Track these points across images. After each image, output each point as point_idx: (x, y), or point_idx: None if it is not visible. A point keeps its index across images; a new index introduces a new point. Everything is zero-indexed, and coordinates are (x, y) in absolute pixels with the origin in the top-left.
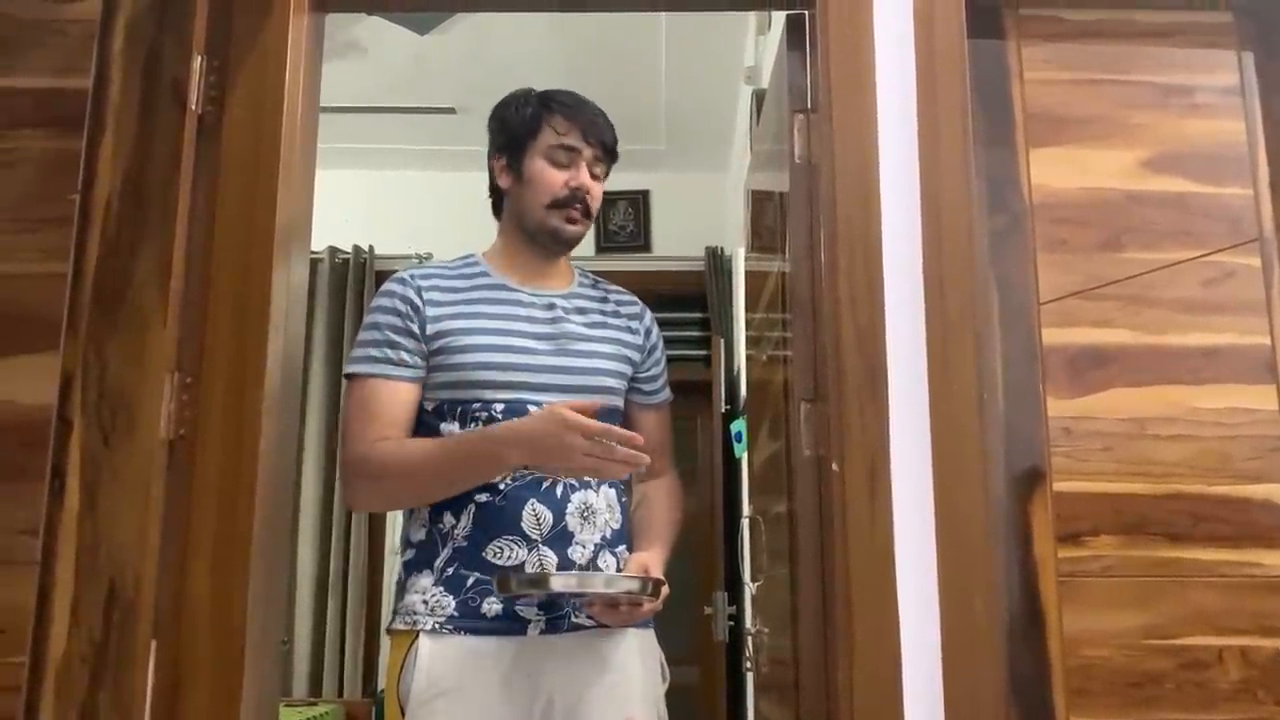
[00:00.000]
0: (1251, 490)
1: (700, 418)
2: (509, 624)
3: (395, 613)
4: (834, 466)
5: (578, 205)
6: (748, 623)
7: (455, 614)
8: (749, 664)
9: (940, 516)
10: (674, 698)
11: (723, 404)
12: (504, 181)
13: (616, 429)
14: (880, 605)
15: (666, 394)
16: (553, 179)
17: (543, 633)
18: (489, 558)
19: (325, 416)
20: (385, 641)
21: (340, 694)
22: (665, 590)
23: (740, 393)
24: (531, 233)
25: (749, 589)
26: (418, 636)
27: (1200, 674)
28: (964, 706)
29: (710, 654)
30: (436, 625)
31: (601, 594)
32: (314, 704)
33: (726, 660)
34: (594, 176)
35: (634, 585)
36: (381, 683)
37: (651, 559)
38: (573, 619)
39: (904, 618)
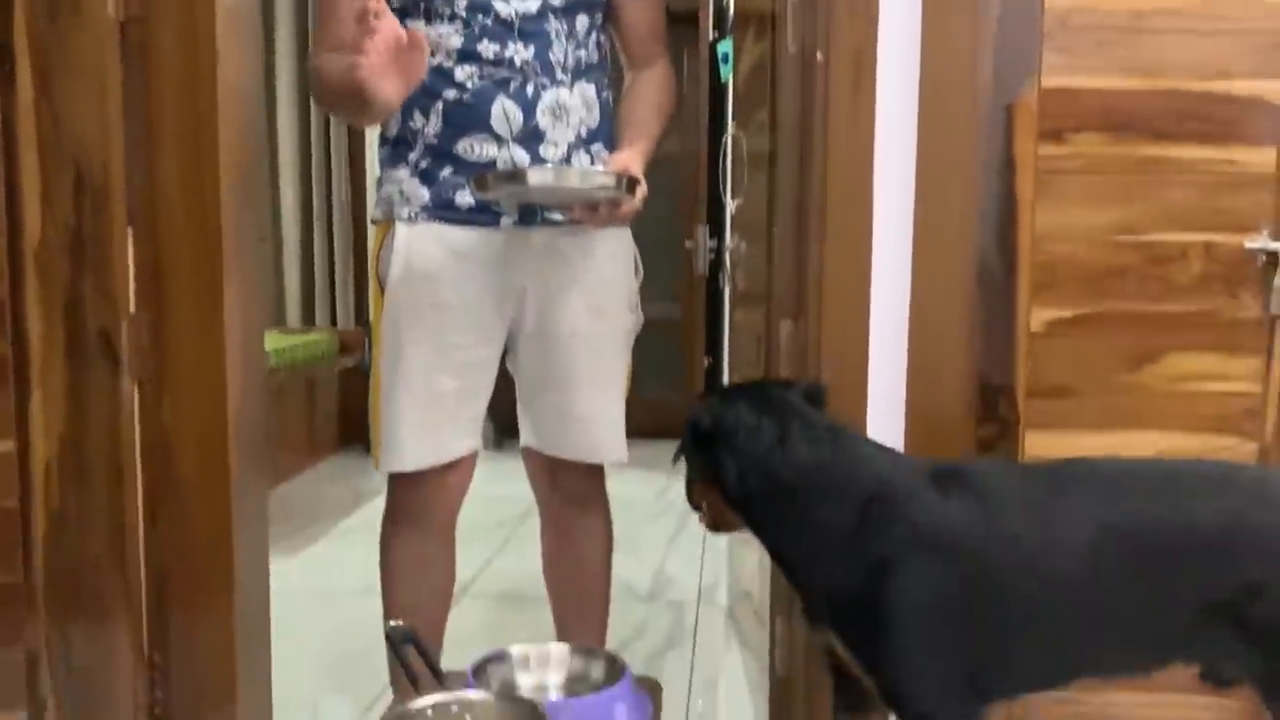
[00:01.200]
0: (1244, 86)
1: (687, 50)
2: (483, 215)
3: (376, 205)
4: (819, 58)
5: None
6: (727, 240)
7: (430, 204)
8: (726, 279)
9: (923, 110)
10: (656, 331)
11: (710, 33)
12: None
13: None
14: (857, 197)
15: None
16: None
17: (516, 225)
18: (460, 154)
19: (295, 27)
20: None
21: (334, 323)
22: (643, 190)
23: (728, 20)
24: None
25: (729, 208)
26: (395, 224)
27: (1163, 268)
28: (930, 294)
29: (691, 289)
30: (412, 214)
31: (576, 190)
32: (307, 331)
33: (707, 292)
34: None
35: (609, 181)
36: (372, 312)
37: (631, 158)
38: (545, 214)
39: (879, 209)
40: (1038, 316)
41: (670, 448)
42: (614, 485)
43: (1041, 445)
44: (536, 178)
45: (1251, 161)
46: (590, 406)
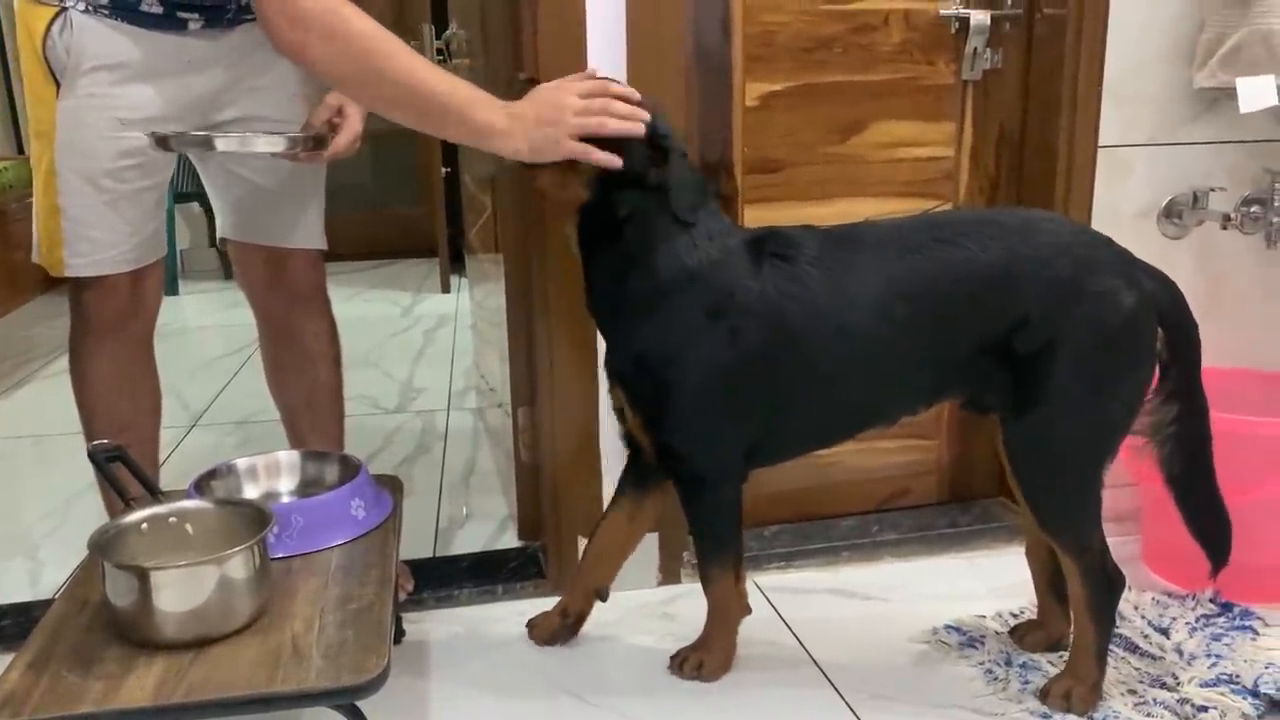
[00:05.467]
0: None
1: None
2: (168, 22)
3: None
4: None
5: None
6: (450, 29)
7: (107, 3)
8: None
9: None
10: (390, 144)
11: None
12: None
13: (613, 83)
14: None
15: None
16: None
17: (205, 28)
18: None
19: None
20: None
21: (21, 150)
22: (352, 133)
23: None
24: None
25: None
26: (66, 10)
27: (867, 37)
28: (646, 73)
29: None
30: (90, 6)
31: (263, 153)
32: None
33: None
34: None
35: (291, 147)
36: (30, 99)
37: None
38: (238, 11)
39: None
40: (752, 90)
41: (415, 264)
42: (361, 305)
43: (760, 219)
44: (223, 144)
45: None
46: (296, 187)
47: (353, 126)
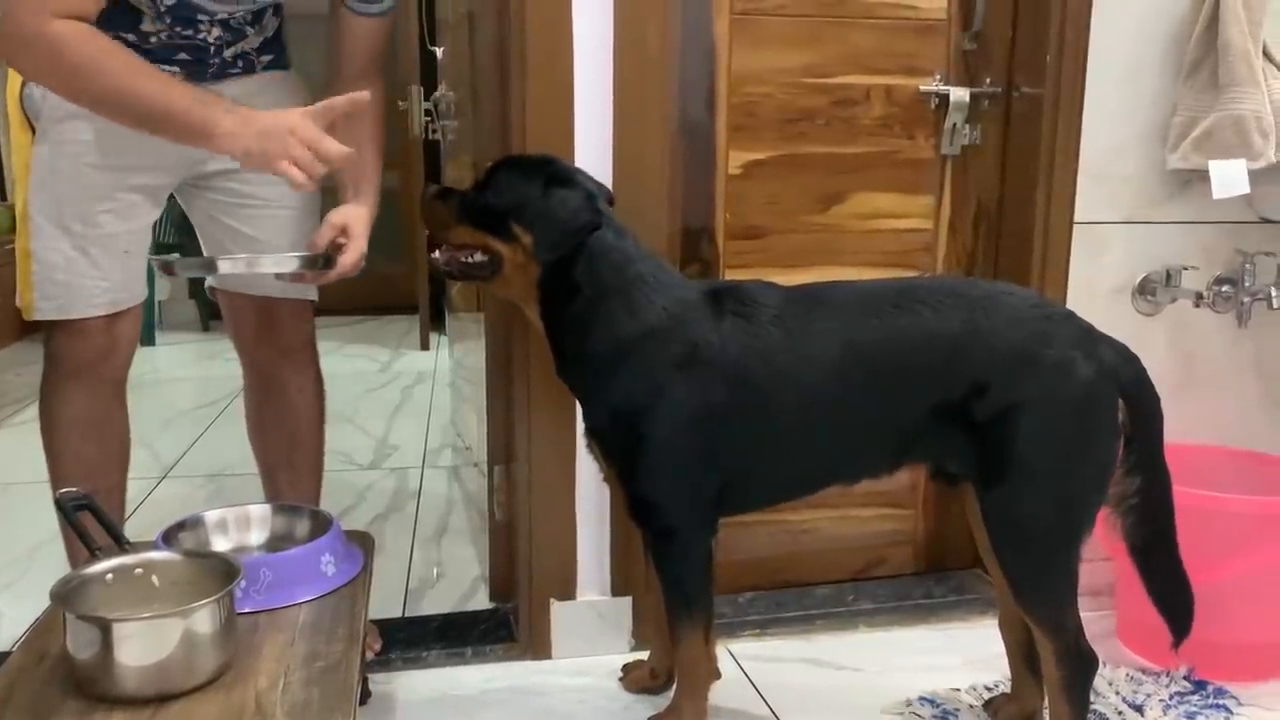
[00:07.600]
0: None
1: None
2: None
3: None
4: None
5: None
6: (439, 90)
7: None
8: (437, 130)
9: None
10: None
11: None
12: None
13: (332, 146)
14: (555, 47)
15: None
16: None
17: (185, 80)
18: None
19: None
20: None
21: (2, 196)
22: (361, 249)
23: None
24: None
25: (439, 55)
26: None
27: (848, 110)
28: (632, 139)
29: (409, 153)
30: None
31: (269, 272)
32: None
33: (425, 156)
34: None
35: (302, 267)
36: (13, 150)
37: (357, 216)
38: (220, 65)
39: (579, 57)
40: (735, 159)
41: (395, 320)
42: (339, 360)
43: None
44: (226, 266)
45: (929, 8)
46: (288, 239)
47: (358, 246)
